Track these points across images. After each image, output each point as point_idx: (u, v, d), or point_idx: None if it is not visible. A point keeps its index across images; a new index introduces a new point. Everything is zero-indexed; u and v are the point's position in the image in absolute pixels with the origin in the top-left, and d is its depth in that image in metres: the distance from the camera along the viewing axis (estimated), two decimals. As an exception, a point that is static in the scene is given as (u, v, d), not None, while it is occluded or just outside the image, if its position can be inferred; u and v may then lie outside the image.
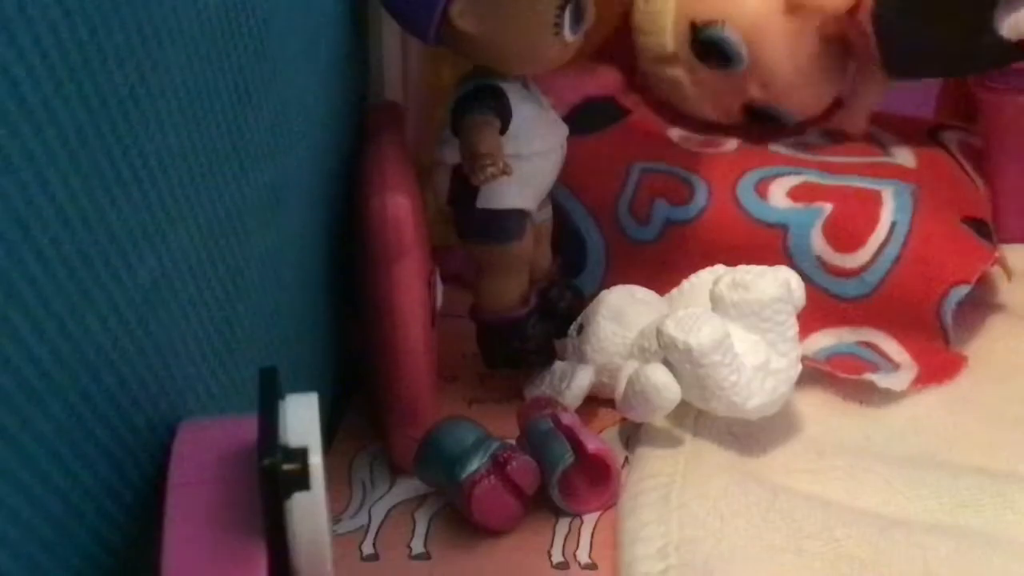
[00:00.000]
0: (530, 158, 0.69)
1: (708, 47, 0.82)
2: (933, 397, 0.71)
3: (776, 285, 0.66)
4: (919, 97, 0.92)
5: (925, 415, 0.70)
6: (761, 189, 0.78)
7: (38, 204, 0.32)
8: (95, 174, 0.35)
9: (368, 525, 0.65)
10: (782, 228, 0.76)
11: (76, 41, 0.33)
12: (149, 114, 0.39)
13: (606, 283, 0.79)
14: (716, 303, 0.67)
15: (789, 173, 0.79)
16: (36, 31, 0.31)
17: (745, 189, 0.78)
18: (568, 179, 0.76)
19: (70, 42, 0.32)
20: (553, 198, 0.75)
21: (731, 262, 0.71)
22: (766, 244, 0.76)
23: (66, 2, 0.32)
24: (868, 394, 0.71)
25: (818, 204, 0.76)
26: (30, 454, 0.33)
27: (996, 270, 0.76)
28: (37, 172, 0.32)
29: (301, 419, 0.39)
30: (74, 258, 0.34)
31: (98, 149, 0.35)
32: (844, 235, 0.75)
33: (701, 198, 0.79)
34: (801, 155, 0.82)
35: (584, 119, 0.79)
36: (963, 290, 0.73)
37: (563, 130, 0.72)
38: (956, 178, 0.82)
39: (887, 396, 0.71)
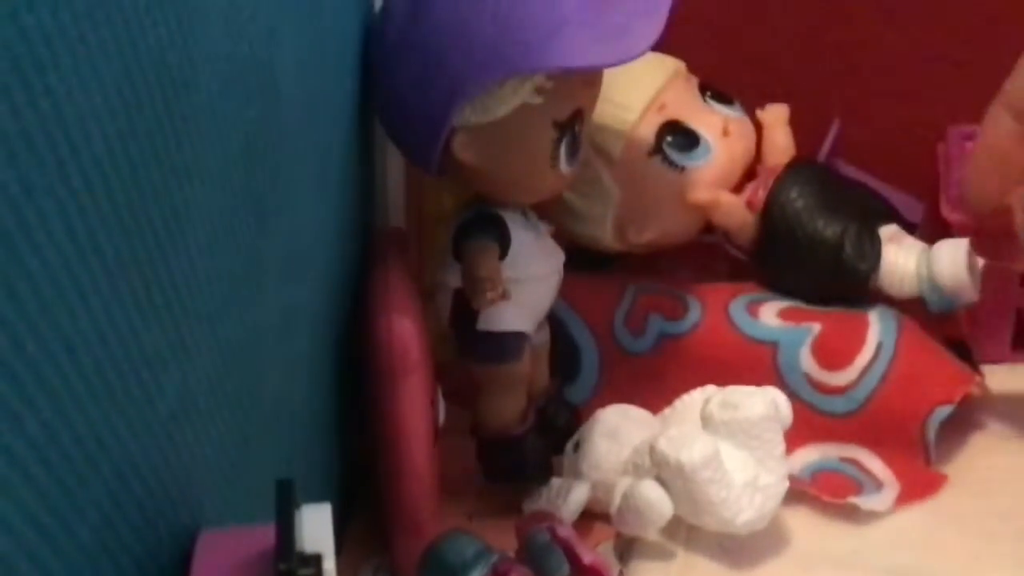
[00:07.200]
0: (528, 282, 0.72)
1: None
2: (917, 512, 0.74)
3: (764, 404, 0.69)
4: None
5: (910, 529, 0.72)
6: (752, 309, 0.81)
7: (83, 329, 0.35)
8: (131, 299, 0.38)
9: (372, 636, 0.66)
10: (772, 345, 0.79)
11: (121, 180, 0.36)
12: (179, 244, 0.42)
13: (599, 392, 0.82)
14: (706, 422, 0.69)
15: (778, 298, 0.82)
16: (86, 172, 0.34)
17: (737, 308, 0.81)
18: (566, 295, 0.79)
19: (115, 181, 0.36)
20: (551, 310, 0.78)
21: (722, 376, 0.74)
22: (757, 360, 0.79)
23: (113, 146, 0.36)
24: (853, 509, 0.73)
25: (807, 324, 0.79)
26: (72, 561, 0.35)
27: (977, 388, 0.79)
28: (83, 298, 0.35)
29: (315, 528, 0.42)
30: (112, 376, 0.37)
31: (135, 276, 0.38)
32: (832, 354, 0.78)
33: (695, 314, 0.82)
34: None
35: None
36: (946, 410, 0.75)
37: (560, 256, 0.75)
38: None
39: (872, 511, 0.73)
